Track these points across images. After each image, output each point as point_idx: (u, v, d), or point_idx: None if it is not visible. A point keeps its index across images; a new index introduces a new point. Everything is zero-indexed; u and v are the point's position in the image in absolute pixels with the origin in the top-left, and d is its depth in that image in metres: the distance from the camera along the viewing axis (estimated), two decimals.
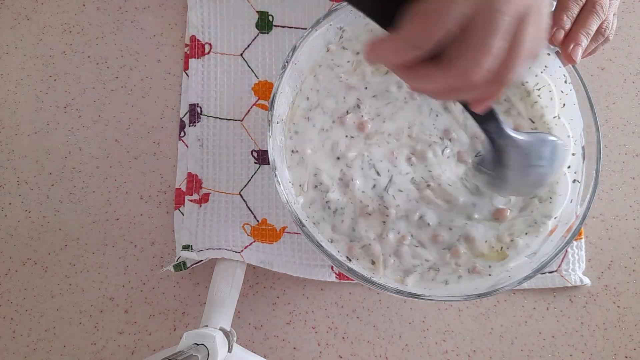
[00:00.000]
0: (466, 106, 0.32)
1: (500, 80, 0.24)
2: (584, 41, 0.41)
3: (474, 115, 0.33)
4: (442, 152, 0.45)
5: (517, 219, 0.44)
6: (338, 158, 0.45)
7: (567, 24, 0.41)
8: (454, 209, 0.44)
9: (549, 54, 0.44)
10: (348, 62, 0.46)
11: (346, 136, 0.45)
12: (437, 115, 0.46)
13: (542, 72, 0.45)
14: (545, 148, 0.38)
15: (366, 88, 0.46)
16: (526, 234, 0.43)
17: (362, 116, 0.45)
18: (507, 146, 0.35)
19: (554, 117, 0.45)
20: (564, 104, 0.44)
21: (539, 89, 0.46)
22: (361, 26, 0.45)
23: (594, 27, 0.41)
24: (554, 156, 0.38)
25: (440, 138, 0.45)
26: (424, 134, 0.45)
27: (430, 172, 0.44)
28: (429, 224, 0.43)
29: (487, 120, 0.34)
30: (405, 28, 0.22)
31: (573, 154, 0.44)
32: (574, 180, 0.43)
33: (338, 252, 0.42)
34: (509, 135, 0.35)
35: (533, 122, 0.46)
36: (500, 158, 0.36)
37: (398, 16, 0.23)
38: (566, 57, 0.42)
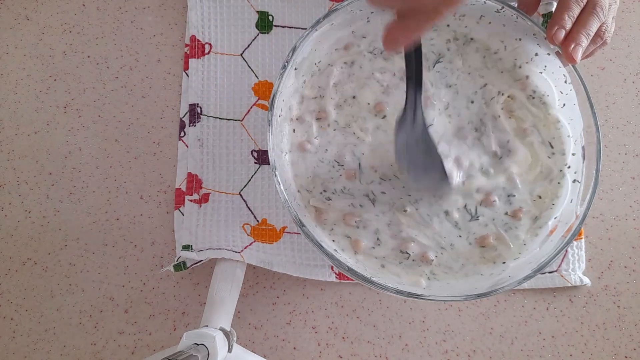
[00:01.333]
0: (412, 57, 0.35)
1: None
2: (585, 42, 0.41)
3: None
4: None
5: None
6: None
7: (568, 23, 0.41)
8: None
9: (549, 54, 0.44)
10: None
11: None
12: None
13: (541, 72, 0.45)
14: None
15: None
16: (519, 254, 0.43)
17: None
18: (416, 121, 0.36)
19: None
20: (564, 104, 0.44)
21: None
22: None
23: (594, 28, 0.41)
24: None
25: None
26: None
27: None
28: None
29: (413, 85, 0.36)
30: None
31: (573, 154, 0.44)
32: (574, 180, 0.43)
33: (335, 250, 0.42)
34: (422, 117, 0.36)
35: (552, 147, 0.44)
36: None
37: None
38: (567, 56, 0.41)
